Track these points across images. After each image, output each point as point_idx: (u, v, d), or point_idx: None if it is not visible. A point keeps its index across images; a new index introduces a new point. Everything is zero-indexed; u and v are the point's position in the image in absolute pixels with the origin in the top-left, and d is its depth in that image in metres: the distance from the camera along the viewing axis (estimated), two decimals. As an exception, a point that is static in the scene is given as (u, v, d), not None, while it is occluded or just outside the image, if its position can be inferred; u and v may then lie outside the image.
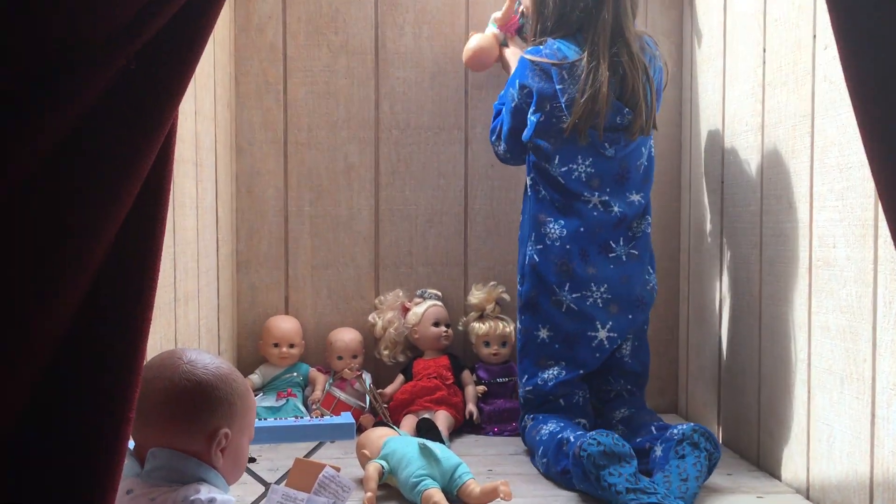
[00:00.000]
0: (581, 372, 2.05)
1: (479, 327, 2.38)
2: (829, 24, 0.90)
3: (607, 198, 2.02)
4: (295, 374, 2.37)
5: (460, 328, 2.44)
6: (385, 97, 2.47)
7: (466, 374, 2.37)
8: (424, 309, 2.38)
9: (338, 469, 1.47)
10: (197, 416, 1.07)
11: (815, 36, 1.69)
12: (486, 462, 2.03)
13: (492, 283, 2.43)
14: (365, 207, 2.48)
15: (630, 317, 2.06)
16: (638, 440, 1.89)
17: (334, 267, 2.48)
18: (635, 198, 2.06)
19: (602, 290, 2.03)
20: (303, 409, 2.29)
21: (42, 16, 0.70)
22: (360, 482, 1.77)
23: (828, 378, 1.66)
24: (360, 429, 2.10)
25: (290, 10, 2.44)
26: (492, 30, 2.34)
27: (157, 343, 1.63)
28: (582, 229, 2.02)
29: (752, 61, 1.98)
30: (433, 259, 2.49)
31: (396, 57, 2.46)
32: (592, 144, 2.00)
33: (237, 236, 2.46)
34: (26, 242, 0.74)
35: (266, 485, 1.59)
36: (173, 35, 0.79)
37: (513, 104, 2.07)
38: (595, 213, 2.02)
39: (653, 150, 2.10)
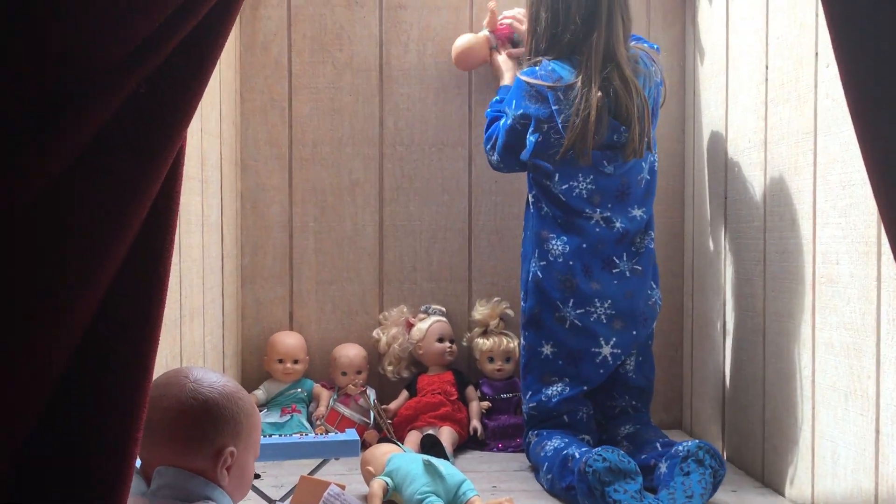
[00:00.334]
0: (585, 388, 2.06)
1: (483, 343, 2.39)
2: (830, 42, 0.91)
3: (609, 214, 2.03)
4: (299, 389, 2.37)
5: (464, 344, 2.45)
6: (389, 113, 2.48)
7: (470, 390, 2.37)
8: (429, 324, 2.39)
9: (342, 486, 1.48)
10: (203, 435, 1.07)
11: (817, 53, 1.70)
12: (491, 478, 2.03)
13: (496, 298, 2.43)
14: (369, 223, 2.48)
15: (634, 332, 2.07)
16: (643, 457, 1.89)
17: (339, 282, 2.49)
18: (637, 213, 2.06)
19: (606, 305, 2.03)
20: (307, 424, 2.29)
21: (52, 41, 0.71)
22: (365, 499, 1.76)
23: (832, 395, 1.66)
24: (365, 445, 2.10)
25: (295, 28, 2.46)
26: (484, 33, 2.37)
27: (163, 360, 1.63)
28: (584, 245, 2.02)
29: (754, 78, 1.99)
30: (437, 275, 2.50)
31: (401, 74, 2.48)
32: (591, 162, 2.01)
33: (242, 252, 2.46)
34: (35, 262, 0.75)
35: (271, 502, 1.60)
36: (182, 59, 0.80)
37: (509, 124, 2.08)
38: (597, 230, 2.03)
39: (655, 164, 2.11)
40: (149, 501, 1.07)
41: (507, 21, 2.36)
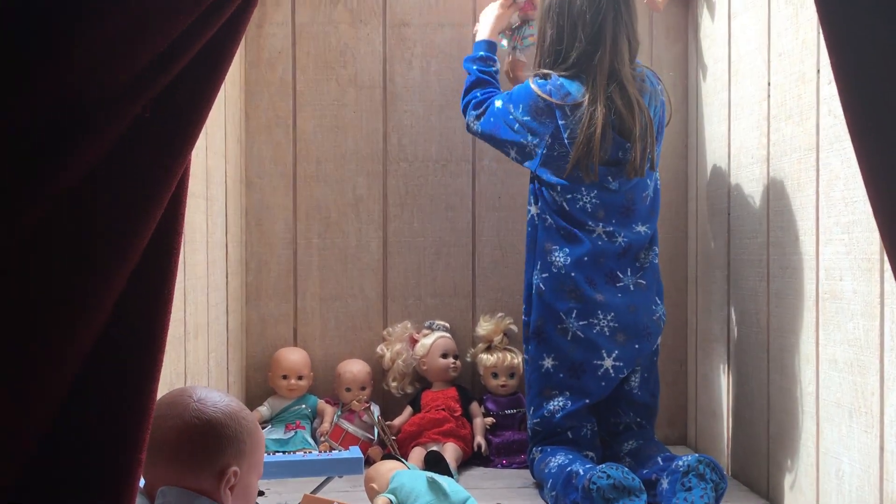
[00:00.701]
0: (587, 401, 2.05)
1: (487, 359, 2.39)
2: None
3: (612, 229, 2.04)
4: (303, 405, 2.37)
5: (468, 360, 2.45)
6: (393, 130, 2.49)
7: (475, 406, 2.37)
8: (433, 340, 2.39)
9: (346, 505, 1.47)
10: (207, 455, 1.07)
11: (818, 70, 1.71)
12: (495, 495, 2.02)
13: (500, 314, 2.43)
14: (373, 239, 2.49)
15: (637, 346, 2.06)
16: (644, 472, 1.88)
17: (343, 299, 2.49)
18: (641, 229, 2.07)
19: (609, 318, 2.03)
20: (311, 441, 2.29)
21: (56, 66, 0.72)
22: (369, 516, 1.76)
23: (836, 411, 1.66)
24: (369, 461, 2.09)
25: (299, 46, 2.47)
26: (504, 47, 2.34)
27: (167, 377, 1.64)
28: (586, 258, 2.03)
29: (756, 94, 2.00)
30: (441, 290, 2.50)
31: (404, 91, 2.49)
32: (598, 178, 2.02)
33: (246, 269, 2.47)
34: (40, 286, 0.75)
35: (275, 520, 1.60)
36: (186, 83, 0.80)
37: (511, 128, 2.07)
38: (599, 242, 2.03)
39: (658, 181, 2.12)
40: (152, 521, 1.07)
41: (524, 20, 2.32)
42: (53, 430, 0.78)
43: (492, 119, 2.12)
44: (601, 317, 2.03)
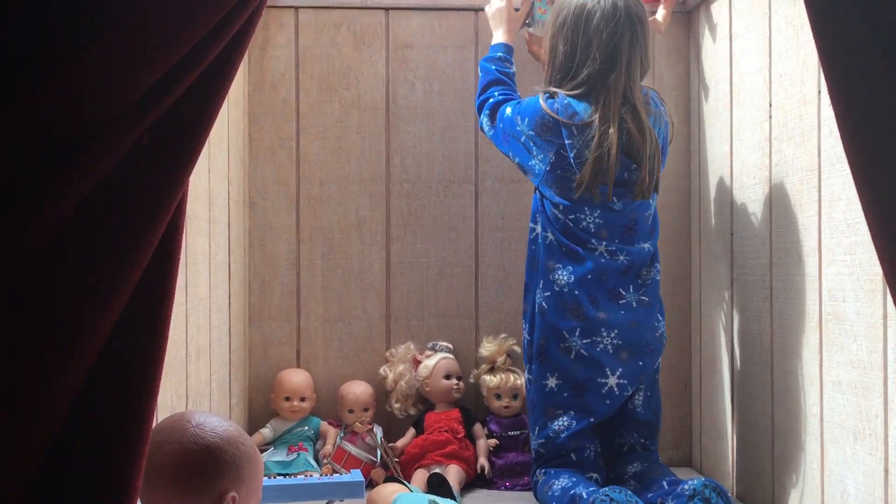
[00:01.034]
0: (591, 420, 2.04)
1: (491, 380, 2.38)
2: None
3: (615, 247, 2.03)
4: (306, 427, 2.36)
5: (471, 381, 2.44)
6: (396, 151, 2.50)
7: (478, 428, 2.36)
8: (435, 361, 2.38)
9: (347, 528, 1.47)
10: (205, 480, 1.07)
11: (819, 92, 1.71)
12: (498, 518, 2.01)
13: (503, 335, 2.43)
14: (376, 260, 2.49)
15: (640, 363, 2.05)
16: (649, 495, 1.87)
17: (346, 320, 2.49)
18: (643, 246, 2.07)
19: (612, 335, 2.02)
20: (314, 463, 2.28)
21: (53, 92, 0.73)
22: (371, 540, 1.75)
23: (840, 433, 1.64)
24: (371, 483, 2.09)
25: (303, 68, 2.49)
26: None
27: (169, 399, 1.63)
28: (589, 276, 2.02)
29: (758, 115, 2.00)
30: (444, 311, 2.50)
31: (407, 112, 2.50)
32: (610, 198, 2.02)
33: (249, 290, 2.47)
34: (38, 310, 0.76)
35: (275, 543, 1.59)
36: (184, 109, 0.81)
37: (518, 139, 2.08)
38: (602, 260, 2.03)
39: (656, 201, 2.13)
40: (150, 546, 1.07)
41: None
42: (49, 453, 0.78)
43: (500, 125, 2.14)
44: (605, 334, 2.02)
